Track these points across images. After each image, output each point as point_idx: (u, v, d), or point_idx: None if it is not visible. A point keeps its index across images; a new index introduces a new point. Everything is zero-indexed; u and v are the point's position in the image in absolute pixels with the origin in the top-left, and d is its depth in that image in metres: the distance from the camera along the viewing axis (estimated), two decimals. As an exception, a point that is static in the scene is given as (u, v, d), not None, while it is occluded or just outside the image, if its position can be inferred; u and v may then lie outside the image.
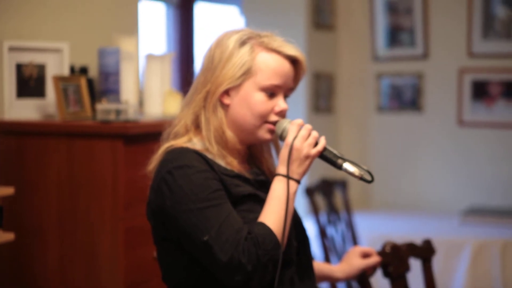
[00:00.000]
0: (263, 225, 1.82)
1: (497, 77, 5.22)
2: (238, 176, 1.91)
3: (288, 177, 1.88)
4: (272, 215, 1.84)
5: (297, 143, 1.88)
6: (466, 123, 5.32)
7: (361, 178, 1.89)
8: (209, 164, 1.87)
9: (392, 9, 5.47)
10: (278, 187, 1.88)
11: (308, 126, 1.91)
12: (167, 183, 1.84)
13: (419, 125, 5.49)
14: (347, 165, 1.90)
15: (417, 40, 5.43)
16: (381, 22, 5.51)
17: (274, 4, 5.27)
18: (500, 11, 5.21)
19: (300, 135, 1.89)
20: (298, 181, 1.89)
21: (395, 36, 5.50)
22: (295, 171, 1.88)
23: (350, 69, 5.69)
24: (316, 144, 1.91)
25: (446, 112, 5.39)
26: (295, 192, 1.89)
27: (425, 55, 5.43)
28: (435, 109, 5.44)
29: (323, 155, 1.91)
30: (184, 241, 1.84)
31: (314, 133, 1.90)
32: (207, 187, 1.82)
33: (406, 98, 5.51)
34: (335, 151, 1.92)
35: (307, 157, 1.88)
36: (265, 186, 1.94)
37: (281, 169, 1.89)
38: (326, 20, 5.49)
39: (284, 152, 1.89)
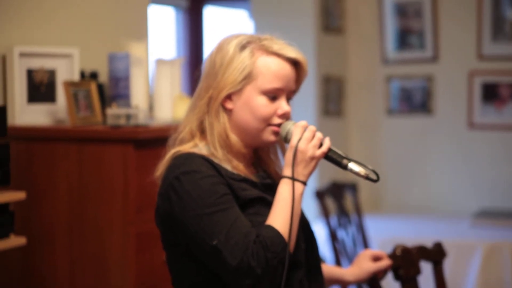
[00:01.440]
0: (270, 228, 1.83)
1: (507, 79, 5.21)
2: (245, 180, 1.91)
3: (293, 179, 1.88)
4: (279, 218, 1.85)
5: (301, 145, 1.88)
6: (476, 125, 5.31)
7: (366, 178, 1.89)
8: (216, 168, 1.87)
9: (401, 12, 5.46)
10: (284, 190, 1.88)
11: (312, 128, 1.91)
12: (174, 189, 1.85)
13: (429, 128, 5.48)
14: (352, 165, 1.90)
15: (426, 43, 5.43)
16: (390, 25, 5.51)
17: (283, 8, 5.28)
18: (510, 13, 5.19)
19: (305, 137, 1.89)
20: (304, 183, 1.89)
21: (404, 39, 5.49)
22: (301, 173, 1.89)
23: (359, 72, 5.68)
24: (321, 145, 1.91)
25: (456, 114, 5.38)
26: (301, 194, 1.89)
27: (434, 58, 5.42)
28: (445, 111, 5.43)
29: (328, 156, 1.92)
30: (192, 246, 1.85)
31: (319, 135, 1.91)
32: (215, 192, 1.83)
33: (416, 101, 5.51)
34: (340, 152, 1.92)
35: (312, 158, 1.89)
36: (272, 189, 1.94)
37: (287, 171, 1.90)
38: (335, 24, 5.49)
39: (289, 154, 1.90)
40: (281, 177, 1.92)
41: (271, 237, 1.80)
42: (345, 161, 1.91)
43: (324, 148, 1.90)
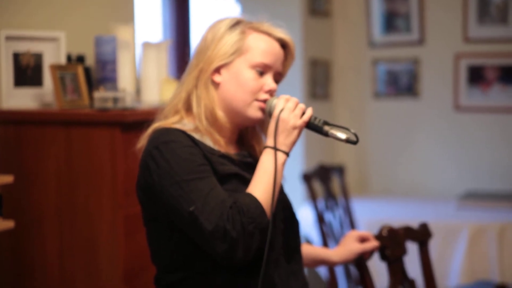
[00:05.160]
0: (248, 195, 1.86)
1: (492, 61, 5.23)
2: (223, 156, 1.94)
3: (275, 148, 1.90)
4: (258, 186, 1.88)
5: (283, 115, 1.91)
6: (463, 108, 5.34)
7: (347, 141, 1.92)
8: (195, 143, 1.91)
9: (387, -5, 5.47)
10: (266, 159, 1.91)
11: (294, 99, 1.95)
12: (154, 158, 1.88)
13: (415, 111, 5.50)
14: (333, 132, 1.93)
15: (413, 26, 5.44)
16: (377, 8, 5.52)
17: (269, -9, 5.27)
18: (496, -4, 5.21)
19: (287, 107, 1.93)
20: (286, 153, 1.92)
21: (391, 22, 5.50)
22: (283, 143, 1.91)
23: (346, 56, 5.69)
24: (303, 115, 1.94)
25: (443, 97, 5.40)
26: (283, 164, 1.92)
27: (421, 41, 5.44)
28: (432, 94, 5.45)
29: (310, 125, 1.95)
30: (170, 214, 1.87)
31: (301, 105, 1.94)
32: (193, 160, 1.86)
33: (402, 84, 5.52)
34: (321, 120, 1.95)
35: (294, 128, 1.92)
36: (252, 168, 1.96)
37: (269, 141, 1.93)
38: (322, 7, 5.49)
39: (271, 125, 1.93)
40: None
41: (248, 203, 1.83)
42: (326, 128, 1.93)
43: (306, 117, 1.93)
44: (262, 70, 1.97)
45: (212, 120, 1.96)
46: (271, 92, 1.97)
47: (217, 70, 1.97)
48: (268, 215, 1.86)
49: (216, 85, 1.97)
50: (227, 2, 5.33)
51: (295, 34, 5.02)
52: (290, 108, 1.92)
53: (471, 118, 5.33)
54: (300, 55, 5.16)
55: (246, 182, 1.92)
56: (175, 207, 1.84)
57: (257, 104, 1.96)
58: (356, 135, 1.93)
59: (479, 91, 5.27)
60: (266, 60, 1.96)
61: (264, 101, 1.97)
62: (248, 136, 2.08)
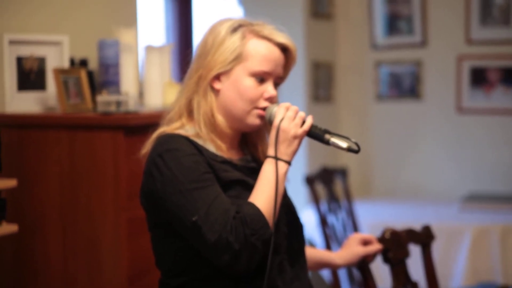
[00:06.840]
0: (252, 205, 1.86)
1: (495, 63, 5.23)
2: (226, 162, 1.94)
3: (276, 158, 1.90)
4: (261, 196, 1.88)
5: (284, 125, 1.91)
6: (465, 110, 5.34)
7: (348, 150, 1.92)
8: (198, 149, 1.91)
9: (390, -3, 5.48)
10: (267, 169, 1.91)
11: (294, 108, 1.94)
12: (157, 166, 1.88)
13: (418, 113, 5.51)
14: (334, 140, 1.93)
15: (415, 28, 5.44)
16: (379, 10, 5.52)
17: (272, -6, 5.27)
18: (498, -3, 5.22)
19: (287, 116, 1.92)
20: (288, 162, 1.92)
21: (393, 24, 5.51)
22: (284, 152, 1.92)
23: (349, 58, 5.69)
24: (303, 124, 1.94)
25: (445, 99, 5.40)
26: (285, 173, 1.92)
27: (423, 43, 5.44)
28: (434, 96, 5.45)
29: (311, 133, 1.95)
30: (173, 222, 1.88)
31: (301, 114, 1.94)
32: (196, 169, 1.86)
33: (405, 86, 5.52)
34: (322, 128, 1.95)
35: (294, 137, 1.92)
36: (256, 173, 1.96)
37: (270, 151, 1.93)
38: (324, 9, 5.50)
39: (272, 134, 1.93)
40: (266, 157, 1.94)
41: (252, 215, 1.83)
42: (327, 137, 1.94)
43: (306, 126, 1.93)
44: (262, 78, 1.96)
45: (212, 127, 1.96)
46: (271, 99, 1.97)
47: (217, 77, 1.96)
48: (271, 225, 1.86)
49: (216, 91, 1.97)
50: (230, 5, 5.34)
51: (297, 37, 5.03)
52: (290, 117, 1.92)
53: (474, 120, 5.33)
54: (303, 57, 5.17)
55: (250, 188, 1.92)
56: (178, 216, 1.85)
57: (256, 111, 1.96)
58: (357, 144, 1.93)
59: (481, 93, 5.27)
60: (266, 67, 1.95)
61: (264, 108, 1.96)
62: (252, 134, 2.08)
